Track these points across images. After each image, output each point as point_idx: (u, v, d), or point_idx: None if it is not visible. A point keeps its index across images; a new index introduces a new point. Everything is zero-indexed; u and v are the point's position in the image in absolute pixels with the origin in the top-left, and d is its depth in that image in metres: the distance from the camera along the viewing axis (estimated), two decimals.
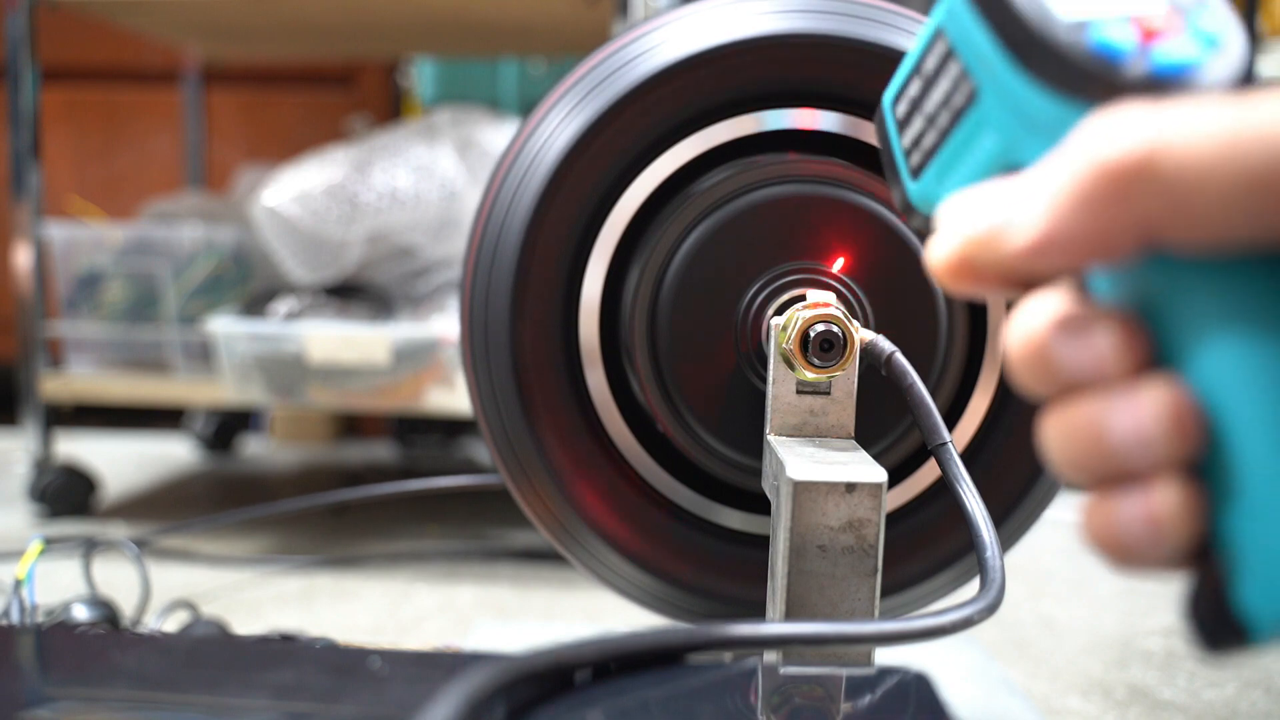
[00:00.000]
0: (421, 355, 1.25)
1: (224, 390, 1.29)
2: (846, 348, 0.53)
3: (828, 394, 0.55)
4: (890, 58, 0.58)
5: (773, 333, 0.55)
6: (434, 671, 0.43)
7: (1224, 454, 0.25)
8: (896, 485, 0.62)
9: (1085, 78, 0.27)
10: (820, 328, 0.53)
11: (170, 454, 1.76)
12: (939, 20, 0.32)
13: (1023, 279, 0.27)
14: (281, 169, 1.32)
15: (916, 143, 0.34)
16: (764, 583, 0.59)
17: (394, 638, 0.96)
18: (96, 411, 1.87)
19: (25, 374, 1.35)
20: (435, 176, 1.29)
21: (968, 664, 0.84)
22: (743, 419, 0.59)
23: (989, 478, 0.62)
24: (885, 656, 0.54)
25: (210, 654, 0.45)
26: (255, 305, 1.34)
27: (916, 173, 0.35)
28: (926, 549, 0.62)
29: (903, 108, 0.35)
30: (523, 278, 0.60)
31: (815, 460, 0.50)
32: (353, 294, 1.34)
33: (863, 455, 0.52)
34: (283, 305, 1.31)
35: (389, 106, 2.05)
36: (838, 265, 0.58)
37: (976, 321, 0.61)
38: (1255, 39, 1.63)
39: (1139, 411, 0.25)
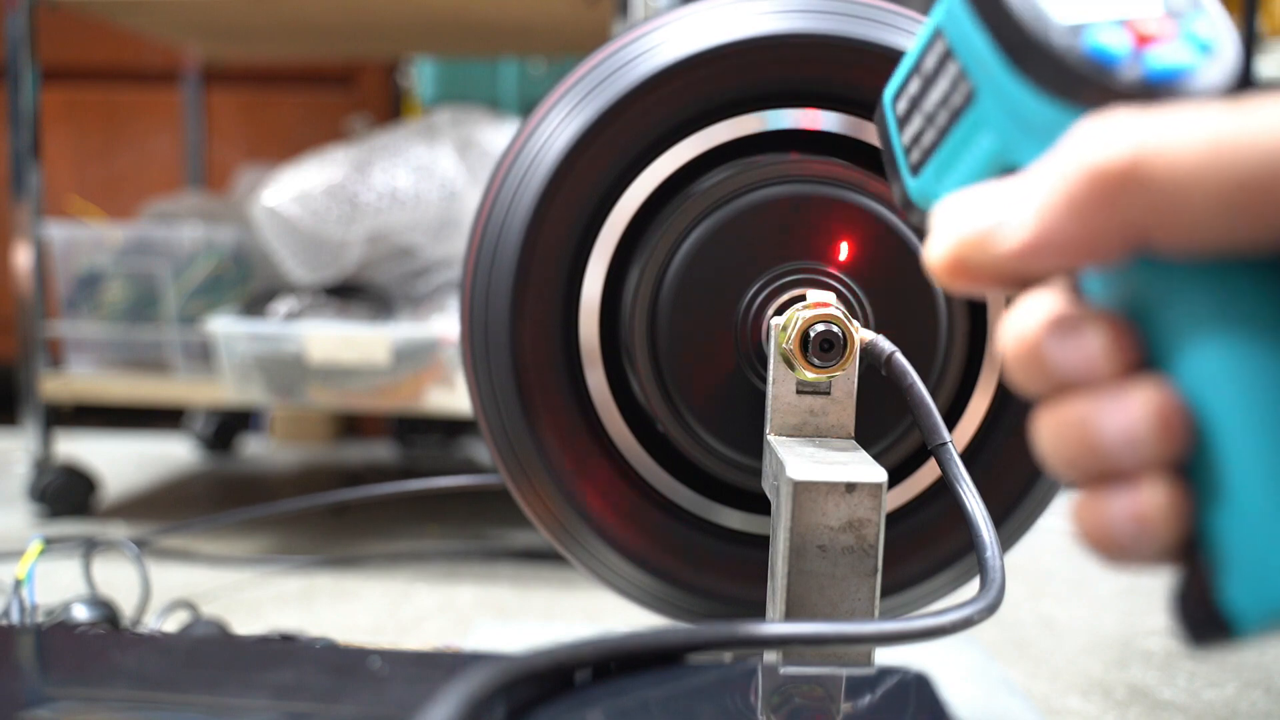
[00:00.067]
0: (421, 355, 1.25)
1: (224, 390, 1.29)
2: (846, 348, 0.53)
3: (828, 394, 0.55)
4: (891, 58, 0.58)
5: (773, 333, 0.55)
6: (434, 671, 0.43)
7: (1210, 455, 0.25)
8: (896, 485, 0.62)
9: (1079, 82, 0.28)
10: (820, 328, 0.53)
11: (170, 454, 1.76)
12: (938, 20, 0.32)
13: (1017, 278, 0.28)
14: (281, 169, 1.32)
15: (916, 140, 0.35)
16: (764, 583, 0.59)
17: (394, 638, 0.96)
18: (96, 411, 1.87)
19: (25, 374, 1.35)
20: (435, 176, 1.29)
21: (968, 664, 0.84)
22: (743, 419, 0.59)
23: (989, 478, 0.62)
24: (885, 656, 0.54)
25: (210, 654, 0.45)
26: (255, 305, 1.34)
27: (916, 169, 0.35)
28: (926, 549, 0.62)
29: (903, 105, 0.35)
30: (523, 278, 0.60)
31: (815, 460, 0.50)
32: (353, 294, 1.34)
33: (863, 455, 0.52)
34: (283, 305, 1.31)
35: (389, 106, 2.05)
36: (843, 252, 0.58)
37: (976, 321, 0.61)
38: (1255, 39, 1.62)
39: (1128, 413, 0.26)
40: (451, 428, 1.82)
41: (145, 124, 2.06)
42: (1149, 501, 0.25)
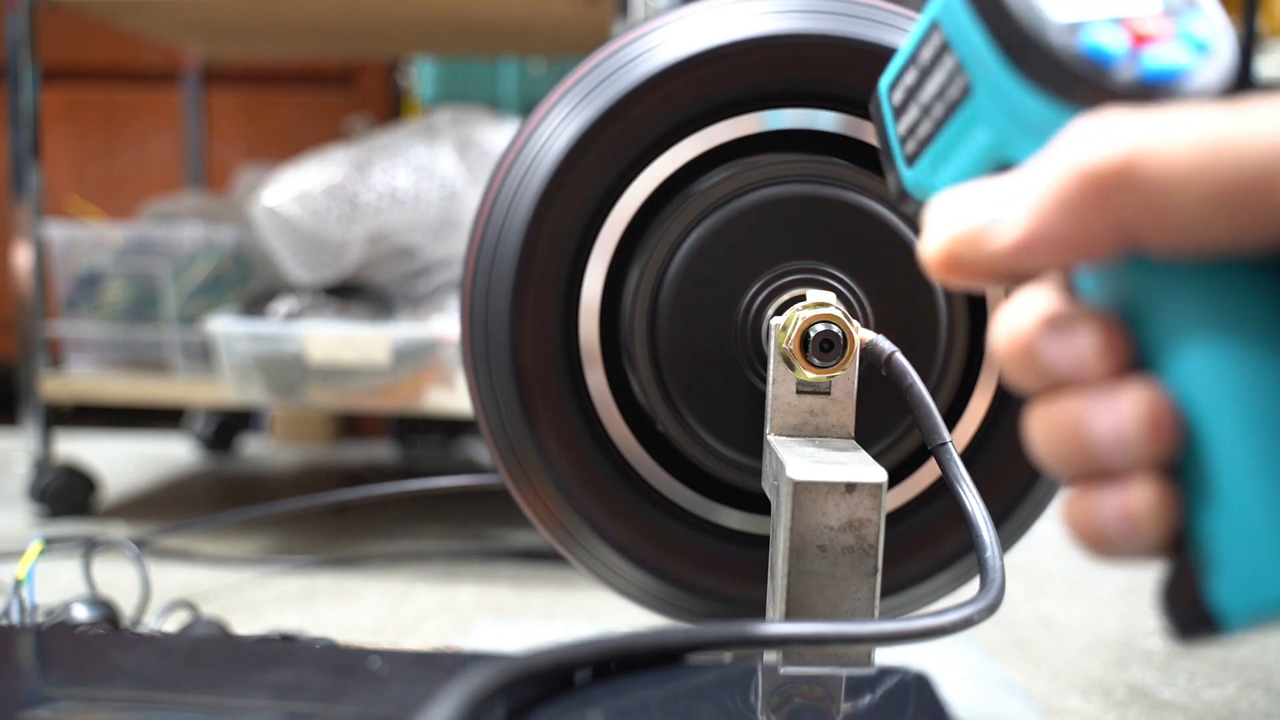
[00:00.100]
0: (421, 355, 1.25)
1: (224, 390, 1.29)
2: (846, 348, 0.53)
3: (828, 394, 0.55)
4: (890, 58, 0.58)
5: (773, 333, 0.55)
6: (434, 671, 0.43)
7: (1199, 456, 0.25)
8: (896, 485, 0.62)
9: (1075, 81, 0.28)
10: (820, 328, 0.53)
11: (170, 454, 1.76)
12: (935, 12, 0.32)
13: (1011, 274, 0.28)
14: (281, 169, 1.32)
15: (912, 131, 0.35)
16: (764, 583, 0.59)
17: (394, 638, 0.96)
18: (96, 411, 1.87)
19: (25, 374, 1.35)
20: (435, 176, 1.29)
21: (968, 664, 0.84)
22: (743, 419, 0.59)
23: (989, 478, 0.62)
24: (885, 656, 0.54)
25: (210, 654, 0.45)
26: (255, 305, 1.34)
27: (911, 160, 0.35)
28: (926, 549, 0.62)
29: (898, 95, 0.35)
30: (523, 278, 0.60)
31: (815, 460, 0.50)
32: (353, 294, 1.34)
33: (863, 455, 0.52)
34: (283, 305, 1.31)
35: (389, 106, 2.05)
36: (843, 252, 0.58)
37: (976, 321, 0.61)
38: (1255, 39, 1.62)
39: (1118, 413, 0.26)
40: (451, 428, 1.82)
41: (145, 124, 2.06)
42: (1138, 500, 0.26)
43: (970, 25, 0.30)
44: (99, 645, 0.46)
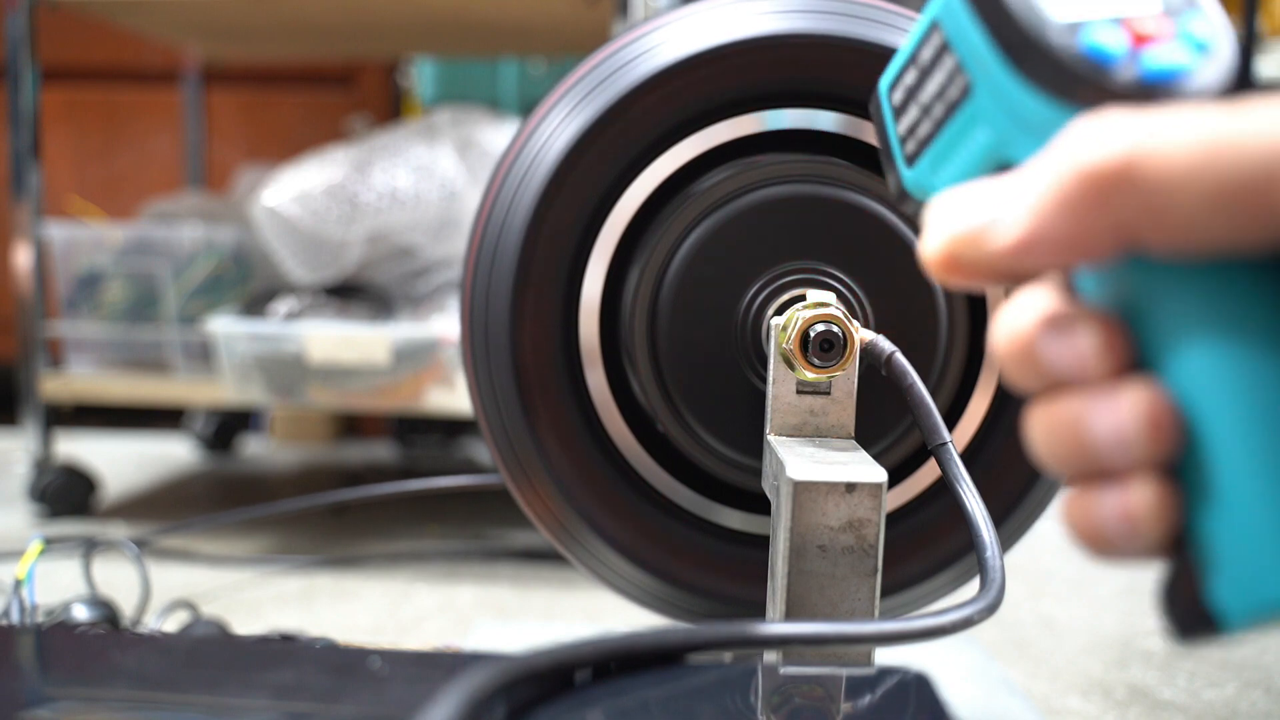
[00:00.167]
0: (421, 355, 1.25)
1: (224, 390, 1.29)
2: (846, 348, 0.53)
3: (828, 394, 0.55)
4: (890, 58, 0.58)
5: (773, 333, 0.55)
6: (434, 671, 0.43)
7: (1199, 456, 0.25)
8: (896, 485, 0.62)
9: (1076, 81, 0.28)
10: (820, 328, 0.53)
11: (170, 454, 1.76)
12: (935, 12, 0.32)
13: (1011, 274, 0.28)
14: (281, 169, 1.32)
15: (912, 131, 0.35)
16: (764, 583, 0.59)
17: (394, 638, 0.96)
18: (96, 411, 1.87)
19: (25, 374, 1.35)
20: (435, 176, 1.29)
21: (968, 664, 0.84)
22: (743, 419, 0.59)
23: (989, 478, 0.62)
24: (885, 656, 0.54)
25: (210, 654, 0.45)
26: (255, 305, 1.34)
27: (911, 160, 0.35)
28: (926, 549, 0.62)
29: (899, 95, 0.35)
30: (523, 278, 0.60)
31: (815, 460, 0.50)
32: (353, 294, 1.34)
33: (863, 455, 0.52)
34: (283, 305, 1.31)
35: (389, 106, 2.05)
36: (843, 252, 0.58)
37: (977, 321, 0.61)
38: (1255, 39, 1.62)
39: (1118, 413, 0.26)
40: (451, 428, 1.82)
41: (145, 124, 2.06)
42: (1138, 500, 0.26)
43: (970, 25, 0.30)
44: (99, 645, 0.46)
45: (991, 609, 0.44)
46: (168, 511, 1.40)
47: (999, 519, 0.62)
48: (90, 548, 0.96)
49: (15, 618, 0.78)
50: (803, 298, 0.57)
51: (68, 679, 0.43)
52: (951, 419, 0.62)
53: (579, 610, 1.04)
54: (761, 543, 0.61)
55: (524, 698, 0.36)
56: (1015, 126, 0.29)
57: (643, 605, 0.65)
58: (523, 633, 0.92)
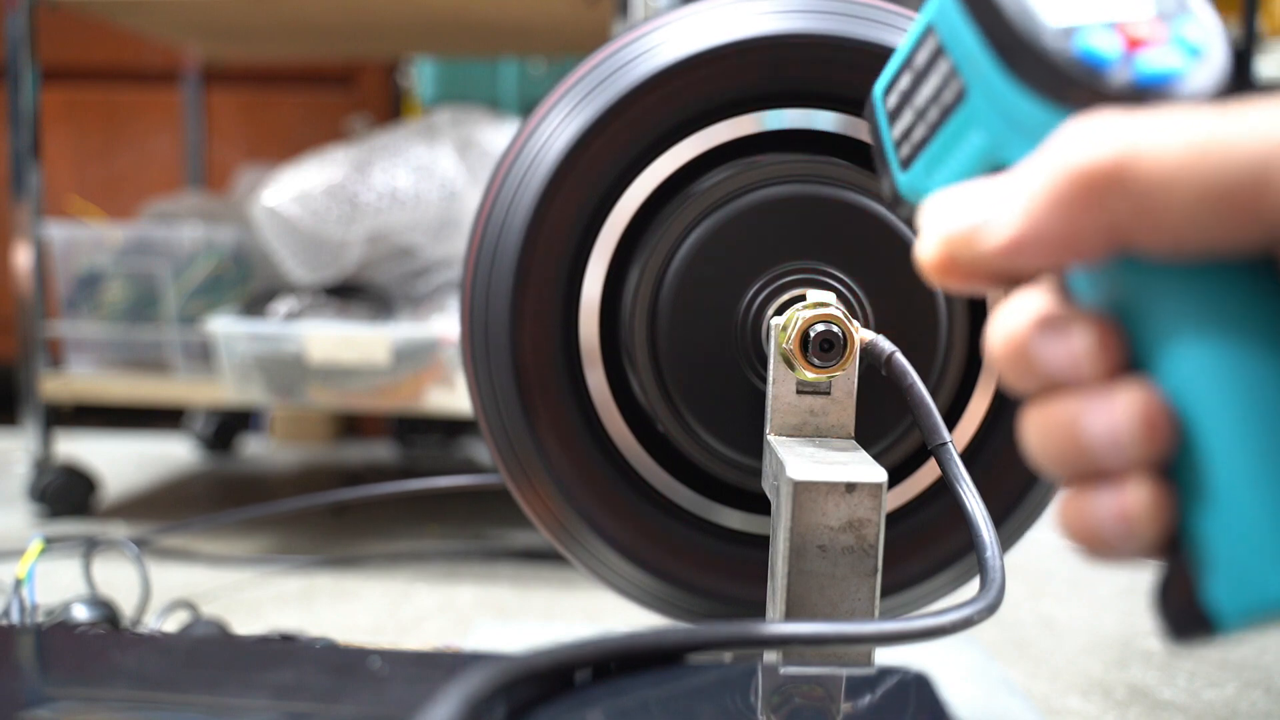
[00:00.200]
0: (421, 355, 1.25)
1: (224, 390, 1.29)
2: (846, 348, 0.53)
3: (828, 394, 0.55)
4: (890, 58, 0.58)
5: (773, 333, 0.55)
6: (434, 671, 0.43)
7: (1193, 456, 0.25)
8: (896, 485, 0.62)
9: (1070, 84, 0.28)
10: (820, 328, 0.53)
11: (170, 454, 1.76)
12: (930, 17, 0.32)
13: (1005, 276, 0.28)
14: (281, 169, 1.32)
15: (906, 135, 0.35)
16: (764, 583, 0.59)
17: (394, 638, 0.96)
18: (96, 411, 1.87)
19: (25, 374, 1.35)
20: (435, 176, 1.29)
21: (968, 664, 0.84)
22: (743, 419, 0.59)
23: (989, 478, 0.62)
24: (885, 656, 0.54)
25: (210, 654, 0.45)
26: (255, 305, 1.34)
27: (906, 164, 0.35)
28: (926, 549, 0.62)
29: (893, 100, 0.35)
30: (523, 278, 0.60)
31: (815, 460, 0.50)
32: (353, 294, 1.34)
33: (863, 455, 0.52)
34: (283, 305, 1.31)
35: (389, 106, 2.05)
36: (843, 252, 0.58)
37: (976, 322, 0.61)
38: (1255, 39, 1.62)
39: (1113, 414, 0.26)
40: (451, 428, 1.82)
41: (145, 124, 2.06)
42: (1133, 501, 0.26)
43: (965, 29, 0.30)
44: (99, 645, 0.46)
45: (991, 609, 0.44)
46: (168, 511, 1.40)
47: (999, 519, 0.62)
48: (90, 548, 0.96)
49: (15, 617, 0.78)
50: (803, 298, 0.57)
51: (68, 679, 0.43)
52: (951, 419, 0.62)
53: (579, 610, 1.04)
54: (761, 543, 0.61)
55: (524, 698, 0.36)
56: (1010, 130, 0.30)
57: (643, 605, 0.65)
58: (523, 633, 0.92)
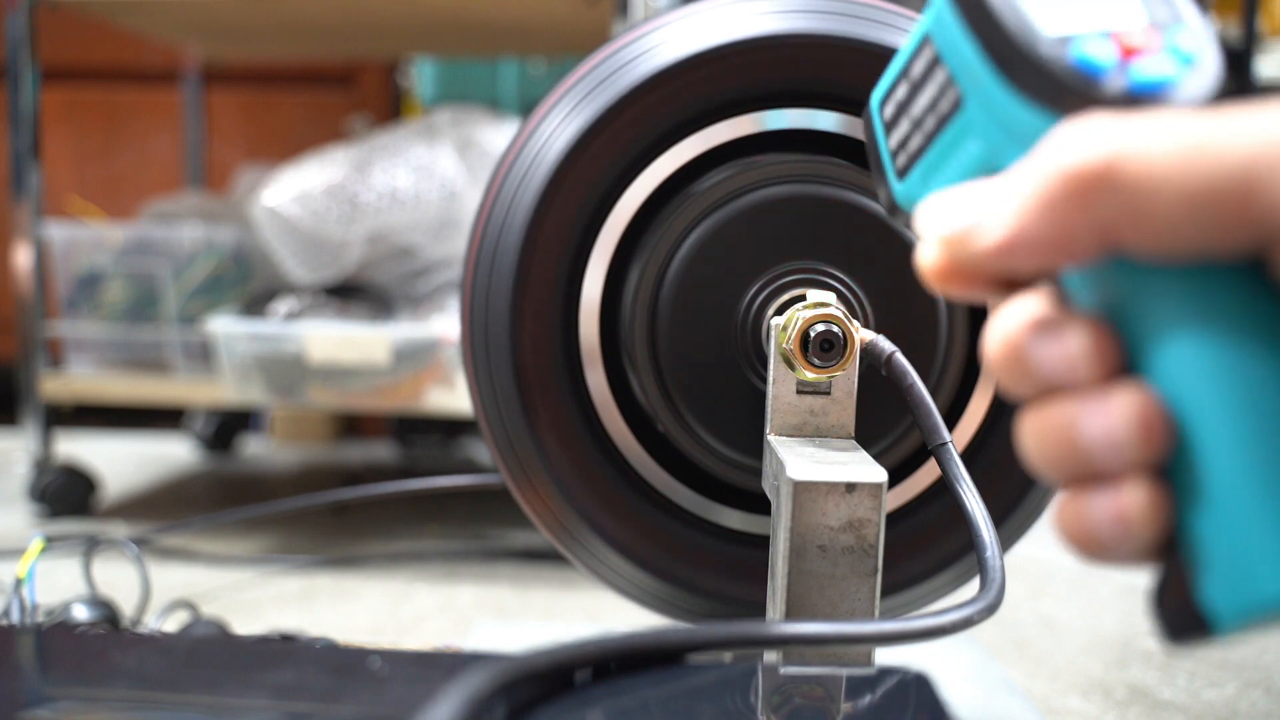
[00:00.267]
0: (421, 355, 1.25)
1: (224, 390, 1.29)
2: (846, 348, 0.53)
3: (828, 394, 0.55)
4: (890, 58, 0.58)
5: (773, 333, 0.55)
6: (434, 671, 0.43)
7: (1189, 458, 0.26)
8: (896, 485, 0.62)
9: (1066, 93, 0.28)
10: (820, 328, 0.53)
11: (170, 454, 1.76)
12: (927, 27, 0.32)
13: (1003, 280, 0.28)
14: (281, 169, 1.32)
15: (903, 144, 0.35)
16: (764, 583, 0.59)
17: (394, 638, 0.96)
18: (96, 411, 1.87)
19: (25, 374, 1.35)
20: (435, 176, 1.29)
21: (968, 664, 0.84)
22: (743, 419, 0.59)
23: (989, 478, 0.62)
24: (885, 656, 0.54)
25: (210, 654, 0.45)
26: (255, 305, 1.34)
27: (902, 174, 0.35)
28: (926, 549, 0.62)
29: (890, 110, 0.36)
30: (523, 278, 0.60)
31: (815, 460, 0.50)
32: (353, 294, 1.34)
33: (863, 455, 0.52)
34: (283, 305, 1.31)
35: (389, 106, 2.05)
36: (843, 252, 0.58)
37: (976, 322, 0.61)
38: (1255, 39, 1.62)
39: (1109, 416, 0.26)
40: (451, 428, 1.82)
41: (145, 124, 2.06)
42: (1130, 502, 0.26)
43: (962, 39, 0.30)
44: (99, 645, 0.46)
45: (991, 609, 0.44)
46: (168, 511, 1.40)
47: (999, 519, 0.62)
48: (90, 547, 0.96)
49: (15, 617, 0.78)
50: (803, 298, 0.57)
51: (68, 679, 0.43)
52: (951, 419, 0.62)
53: (579, 610, 1.04)
54: (761, 543, 0.61)
55: (524, 698, 0.36)
56: (1006, 138, 0.30)
57: (643, 605, 0.65)
58: (523, 633, 0.92)
